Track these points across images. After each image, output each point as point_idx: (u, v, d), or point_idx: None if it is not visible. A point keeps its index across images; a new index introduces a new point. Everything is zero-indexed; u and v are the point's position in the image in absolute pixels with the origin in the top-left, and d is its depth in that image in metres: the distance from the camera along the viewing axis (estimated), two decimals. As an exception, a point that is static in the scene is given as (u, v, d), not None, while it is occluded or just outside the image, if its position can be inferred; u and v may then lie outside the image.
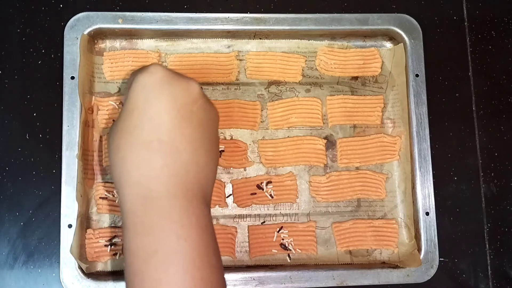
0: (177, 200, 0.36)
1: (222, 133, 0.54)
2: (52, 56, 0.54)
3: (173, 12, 0.53)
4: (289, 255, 0.53)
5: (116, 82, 0.54)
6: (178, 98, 0.38)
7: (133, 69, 0.48)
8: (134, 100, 0.38)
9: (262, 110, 0.55)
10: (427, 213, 0.53)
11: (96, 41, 0.54)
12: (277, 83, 0.55)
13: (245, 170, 0.54)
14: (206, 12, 0.55)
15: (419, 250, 0.52)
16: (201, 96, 0.40)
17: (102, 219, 0.52)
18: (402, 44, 0.55)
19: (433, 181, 0.53)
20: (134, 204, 0.36)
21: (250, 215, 0.53)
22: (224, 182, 0.53)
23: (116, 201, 0.51)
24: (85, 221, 0.51)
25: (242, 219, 0.53)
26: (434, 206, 0.53)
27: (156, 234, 0.35)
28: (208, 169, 0.39)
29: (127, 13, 0.53)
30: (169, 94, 0.38)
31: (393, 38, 0.56)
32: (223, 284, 0.38)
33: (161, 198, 0.36)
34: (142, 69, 0.39)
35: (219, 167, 0.53)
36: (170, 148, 0.37)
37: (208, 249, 0.37)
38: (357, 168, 0.55)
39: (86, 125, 0.51)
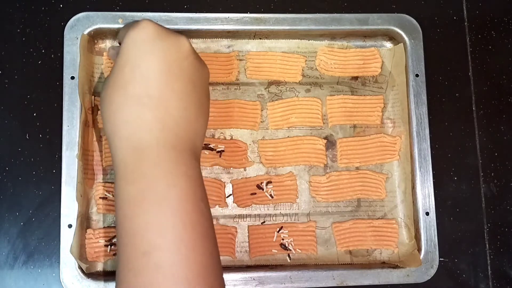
0: (166, 151, 0.37)
1: (222, 133, 0.54)
2: (52, 56, 0.54)
3: (173, 12, 0.53)
4: (289, 255, 0.53)
5: (116, 82, 0.54)
6: (169, 54, 0.39)
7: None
8: (125, 56, 0.39)
9: (262, 110, 0.55)
10: (427, 213, 0.53)
11: (96, 41, 0.54)
12: (277, 83, 0.55)
13: (245, 170, 0.54)
14: (206, 12, 0.55)
15: (419, 250, 0.52)
16: (191, 52, 0.41)
17: (102, 219, 0.52)
18: (402, 44, 0.55)
19: (433, 181, 0.53)
20: (125, 155, 0.38)
21: (250, 215, 0.53)
22: (224, 182, 0.53)
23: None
24: (85, 221, 0.51)
25: (242, 219, 0.53)
26: (434, 206, 0.53)
27: (147, 182, 0.36)
28: (198, 124, 0.40)
29: (127, 13, 0.53)
30: (159, 49, 0.39)
31: (393, 38, 0.56)
32: (212, 228, 0.39)
33: (151, 149, 0.37)
34: (133, 24, 0.40)
35: (219, 167, 0.53)
36: (160, 103, 0.38)
37: (196, 196, 0.38)
38: (357, 168, 0.55)
39: (86, 125, 0.51)
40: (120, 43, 0.47)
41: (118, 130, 0.38)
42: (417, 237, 0.52)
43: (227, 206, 0.53)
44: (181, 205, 0.36)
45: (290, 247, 0.52)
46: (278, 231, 0.53)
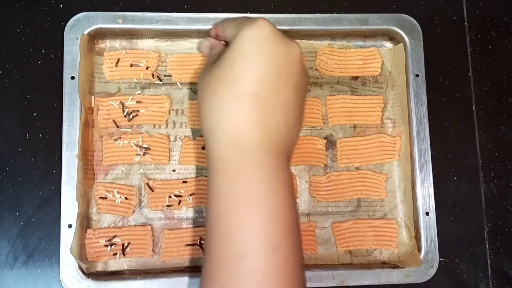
0: (268, 154, 0.37)
1: (222, 133, 0.54)
2: (52, 56, 0.54)
3: (173, 12, 0.53)
4: (289, 255, 0.53)
5: (116, 82, 0.54)
6: (281, 58, 0.39)
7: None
8: (238, 51, 0.38)
9: (262, 110, 0.55)
10: (427, 213, 0.53)
11: (96, 41, 0.54)
12: (277, 83, 0.55)
13: (245, 170, 0.54)
14: (206, 12, 0.55)
15: (419, 250, 0.52)
16: (301, 59, 0.41)
17: (102, 219, 0.52)
18: (402, 44, 0.55)
19: (433, 181, 0.53)
20: (226, 152, 0.37)
21: (250, 215, 0.53)
22: (224, 182, 0.53)
23: (116, 201, 0.51)
24: (85, 221, 0.51)
25: (242, 219, 0.53)
26: (434, 206, 0.53)
27: (247, 183, 0.36)
28: (294, 131, 0.41)
29: (127, 13, 0.53)
30: (274, 52, 0.38)
31: (393, 38, 0.56)
32: (300, 238, 0.38)
33: (253, 150, 0.37)
34: (249, 20, 0.40)
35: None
36: (266, 105, 0.38)
37: (292, 204, 0.38)
38: (357, 168, 0.55)
39: (86, 125, 0.51)
40: (213, 36, 0.48)
41: (221, 124, 0.38)
42: (417, 237, 0.53)
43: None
44: (278, 212, 0.36)
45: (290, 247, 0.52)
46: (278, 231, 0.53)
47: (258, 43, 0.38)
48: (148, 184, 0.52)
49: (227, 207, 0.36)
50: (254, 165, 0.37)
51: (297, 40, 0.55)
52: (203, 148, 0.53)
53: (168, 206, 0.52)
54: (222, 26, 0.46)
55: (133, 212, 0.52)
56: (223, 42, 0.49)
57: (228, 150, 0.37)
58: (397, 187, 0.55)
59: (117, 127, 0.53)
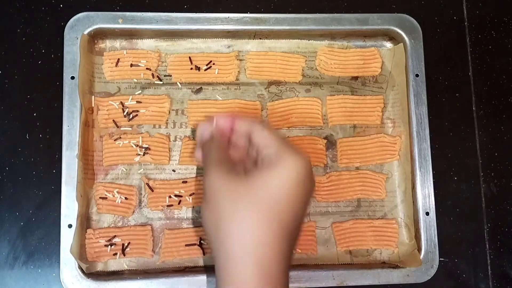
0: (285, 275, 0.38)
1: (222, 133, 0.54)
2: (52, 56, 0.54)
3: (173, 12, 0.53)
4: (289, 255, 0.53)
5: (116, 82, 0.54)
6: (311, 192, 0.40)
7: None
8: (285, 185, 0.38)
9: (262, 110, 0.55)
10: (427, 213, 0.53)
11: (96, 41, 0.54)
12: (277, 83, 0.55)
13: (245, 170, 0.54)
14: (206, 12, 0.55)
15: (419, 250, 0.52)
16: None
17: (102, 219, 0.52)
18: (402, 44, 0.55)
19: (433, 181, 0.53)
20: (252, 283, 0.37)
21: (250, 215, 0.53)
22: (224, 182, 0.53)
23: (116, 201, 0.51)
24: (85, 221, 0.51)
25: (242, 219, 0.53)
26: (434, 206, 0.53)
27: None
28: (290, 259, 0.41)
29: (127, 13, 0.53)
30: (310, 189, 0.40)
31: (393, 38, 0.56)
32: None
33: (278, 279, 0.37)
34: (293, 155, 0.39)
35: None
36: (295, 237, 0.39)
37: None
38: (357, 168, 0.55)
39: (86, 125, 0.51)
40: (224, 127, 0.44)
41: (252, 253, 0.37)
42: (417, 237, 0.52)
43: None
44: None
45: (290, 247, 0.52)
46: (278, 231, 0.53)
47: (300, 182, 0.38)
48: (148, 184, 0.52)
49: None
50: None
51: (297, 40, 0.56)
52: (203, 148, 0.53)
53: (168, 206, 0.52)
54: (248, 128, 0.43)
55: (133, 212, 0.52)
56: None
57: (255, 280, 0.37)
58: (397, 187, 0.55)
59: (117, 127, 0.53)
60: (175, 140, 0.53)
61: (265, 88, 0.55)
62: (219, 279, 0.38)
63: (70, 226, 0.49)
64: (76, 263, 0.49)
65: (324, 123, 0.55)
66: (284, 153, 0.39)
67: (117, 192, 0.51)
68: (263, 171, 0.39)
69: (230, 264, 0.37)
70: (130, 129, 0.53)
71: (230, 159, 0.43)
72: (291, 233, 0.38)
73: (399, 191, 0.55)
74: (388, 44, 0.57)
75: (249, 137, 0.43)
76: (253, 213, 0.37)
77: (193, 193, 0.52)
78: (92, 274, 0.50)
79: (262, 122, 0.45)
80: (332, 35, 0.56)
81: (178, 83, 0.54)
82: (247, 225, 0.37)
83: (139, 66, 0.53)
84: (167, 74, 0.54)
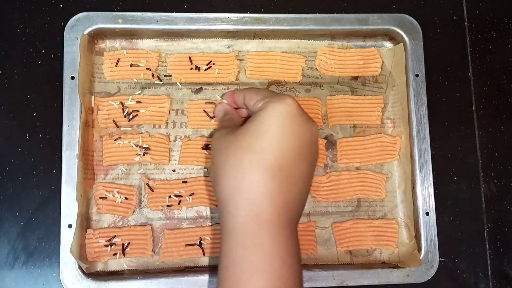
0: (284, 228, 0.39)
1: (222, 133, 0.54)
2: (52, 56, 0.54)
3: (173, 12, 0.53)
4: (289, 255, 0.53)
5: (116, 82, 0.54)
6: (304, 136, 0.41)
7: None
8: (266, 124, 0.40)
9: (262, 110, 0.55)
10: (427, 213, 0.53)
11: (96, 41, 0.54)
12: (277, 83, 0.55)
13: (245, 170, 0.54)
14: (206, 12, 0.55)
15: (419, 250, 0.52)
16: (317, 138, 0.43)
17: (102, 219, 0.52)
18: (402, 44, 0.55)
19: (433, 181, 0.53)
20: (246, 220, 0.39)
21: (250, 215, 0.53)
22: (224, 182, 0.53)
23: (116, 201, 0.51)
24: (85, 221, 0.51)
25: (242, 219, 0.53)
26: (434, 206, 0.53)
27: (265, 254, 0.38)
28: (304, 204, 0.43)
29: (127, 13, 0.53)
30: (299, 129, 0.41)
31: (393, 38, 0.56)
32: None
33: (272, 222, 0.39)
34: (277, 97, 0.42)
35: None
36: (287, 179, 0.39)
37: (300, 275, 0.40)
38: (357, 168, 0.55)
39: (86, 125, 0.51)
40: (229, 102, 0.50)
41: (242, 191, 0.39)
42: (417, 237, 0.53)
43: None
44: (291, 285, 0.38)
45: (290, 247, 0.52)
46: (278, 231, 0.53)
47: (285, 120, 0.40)
48: (148, 184, 0.52)
49: (245, 278, 0.38)
50: (272, 238, 0.38)
51: (297, 40, 0.56)
52: (203, 148, 0.53)
53: (168, 206, 0.52)
54: (242, 95, 0.47)
55: (133, 212, 0.52)
56: (236, 109, 0.51)
57: (249, 219, 0.39)
58: (397, 187, 0.55)
59: (117, 127, 0.53)
60: (175, 140, 0.54)
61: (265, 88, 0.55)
62: (221, 228, 0.41)
63: (70, 226, 0.49)
64: (76, 263, 0.49)
65: (324, 123, 0.55)
66: (268, 99, 0.42)
67: (117, 192, 0.51)
68: (251, 119, 0.42)
69: (225, 209, 0.40)
70: (130, 129, 0.53)
71: (235, 126, 0.45)
72: (284, 174, 0.39)
73: (399, 191, 0.55)
74: (388, 44, 0.57)
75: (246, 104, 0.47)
76: (240, 155, 0.39)
77: (193, 193, 0.52)
78: (92, 274, 0.50)
79: (263, 90, 0.47)
80: (332, 35, 0.56)
81: (178, 83, 0.54)
82: (237, 167, 0.39)
83: (139, 66, 0.53)
84: (167, 74, 0.54)
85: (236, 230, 0.39)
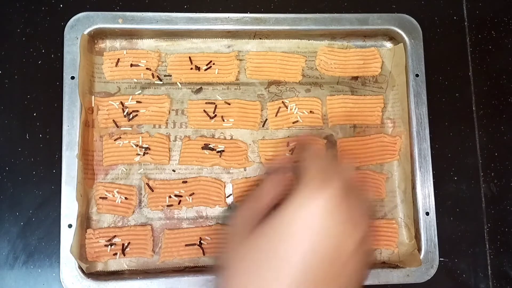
0: None
1: (222, 133, 0.54)
2: (52, 56, 0.54)
3: (173, 12, 0.53)
4: (289, 255, 0.53)
5: (116, 82, 0.54)
6: (341, 243, 0.34)
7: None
8: (288, 223, 0.34)
9: (262, 110, 0.55)
10: (427, 213, 0.53)
11: (96, 41, 0.54)
12: (277, 83, 0.55)
13: (245, 170, 0.54)
14: (206, 12, 0.55)
15: (419, 250, 0.52)
16: (367, 242, 0.36)
17: (102, 219, 0.52)
18: (402, 44, 0.55)
19: (433, 181, 0.53)
20: None
21: (250, 215, 0.53)
22: (224, 182, 0.53)
23: (116, 201, 0.51)
24: (85, 221, 0.51)
25: (242, 219, 0.53)
26: (434, 206, 0.53)
27: None
28: None
29: (127, 13, 0.53)
30: (332, 234, 0.34)
31: (393, 38, 0.56)
32: None
33: None
34: (327, 179, 0.35)
35: (219, 167, 0.53)
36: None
37: None
38: (357, 168, 0.55)
39: (86, 125, 0.51)
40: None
41: None
42: (417, 237, 0.52)
43: (227, 205, 0.53)
44: None
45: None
46: (278, 231, 0.53)
47: (315, 221, 0.33)
48: (148, 184, 0.52)
49: None
50: None
51: (297, 40, 0.56)
52: (203, 148, 0.53)
53: (168, 206, 0.52)
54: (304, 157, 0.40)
55: (133, 212, 0.52)
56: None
57: None
58: (397, 187, 0.55)
59: (117, 127, 0.53)
60: (175, 140, 0.54)
61: (265, 88, 0.55)
62: None
63: (70, 226, 0.49)
64: (76, 263, 0.49)
65: (324, 123, 0.55)
66: (299, 186, 0.35)
67: (117, 192, 0.51)
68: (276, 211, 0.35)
69: None
70: (130, 129, 0.53)
71: (261, 208, 0.41)
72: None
73: (399, 191, 0.55)
74: (388, 44, 0.57)
75: None
76: (260, 262, 0.35)
77: (193, 193, 0.52)
78: (92, 274, 0.50)
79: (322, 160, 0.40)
80: (332, 35, 0.56)
81: (178, 83, 0.54)
82: (256, 279, 0.35)
83: (139, 66, 0.53)
84: (167, 74, 0.54)
85: None
